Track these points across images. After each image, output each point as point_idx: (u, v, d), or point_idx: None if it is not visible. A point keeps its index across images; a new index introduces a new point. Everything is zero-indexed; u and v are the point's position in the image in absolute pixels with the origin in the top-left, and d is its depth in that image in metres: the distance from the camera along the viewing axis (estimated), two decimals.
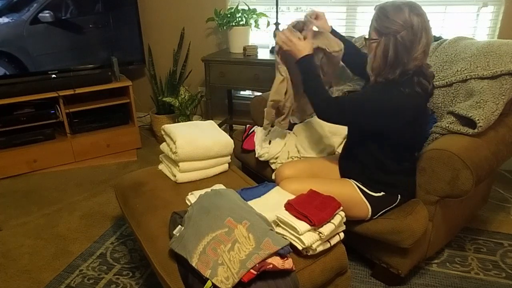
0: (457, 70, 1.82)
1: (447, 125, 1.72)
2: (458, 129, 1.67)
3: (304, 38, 1.63)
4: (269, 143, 2.07)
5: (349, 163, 1.69)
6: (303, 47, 1.60)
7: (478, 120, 1.61)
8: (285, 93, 1.77)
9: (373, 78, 1.50)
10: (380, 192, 1.58)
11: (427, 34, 1.39)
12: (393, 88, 1.43)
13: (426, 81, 1.45)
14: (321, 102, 1.55)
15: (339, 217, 1.40)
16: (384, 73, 1.44)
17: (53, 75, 2.88)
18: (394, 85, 1.44)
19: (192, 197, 1.61)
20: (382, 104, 1.43)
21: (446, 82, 1.86)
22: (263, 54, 2.80)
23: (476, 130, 1.62)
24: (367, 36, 1.50)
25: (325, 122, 1.77)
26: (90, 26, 2.96)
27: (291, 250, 1.25)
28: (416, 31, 1.37)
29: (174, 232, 1.37)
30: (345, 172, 1.71)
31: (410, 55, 1.39)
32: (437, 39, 2.08)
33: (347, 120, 1.57)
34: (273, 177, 1.89)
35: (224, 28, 2.88)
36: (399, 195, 1.59)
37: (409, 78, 1.43)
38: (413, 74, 1.43)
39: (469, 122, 1.66)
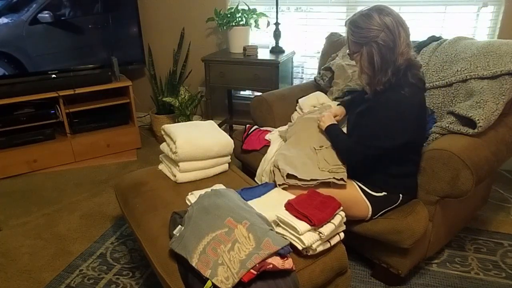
0: (457, 70, 1.82)
1: (447, 125, 1.72)
2: (458, 129, 1.67)
3: None
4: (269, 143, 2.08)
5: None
6: (326, 119, 1.76)
7: (478, 120, 1.61)
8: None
9: (368, 88, 1.54)
10: (381, 192, 1.58)
11: (403, 27, 1.44)
12: (395, 95, 1.45)
13: (418, 72, 1.50)
14: (344, 152, 1.64)
15: (339, 217, 1.40)
16: (378, 78, 1.47)
17: (53, 75, 2.88)
18: (393, 90, 1.46)
19: (192, 197, 1.61)
20: (394, 118, 1.46)
21: (446, 82, 1.86)
22: (263, 54, 2.80)
23: (476, 130, 1.62)
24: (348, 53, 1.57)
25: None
26: (90, 26, 2.97)
27: (291, 250, 1.25)
28: (393, 30, 1.41)
29: (174, 232, 1.37)
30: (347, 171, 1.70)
31: (395, 53, 1.43)
32: (437, 39, 2.08)
33: (375, 151, 1.53)
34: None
35: (224, 28, 2.88)
36: (401, 195, 1.59)
37: (403, 75, 1.46)
38: (405, 69, 1.46)
39: (469, 122, 1.66)
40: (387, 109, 1.47)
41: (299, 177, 1.58)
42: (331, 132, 1.71)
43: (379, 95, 1.52)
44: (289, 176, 1.60)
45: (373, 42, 1.42)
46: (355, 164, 1.60)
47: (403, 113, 1.45)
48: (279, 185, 1.61)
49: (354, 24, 1.46)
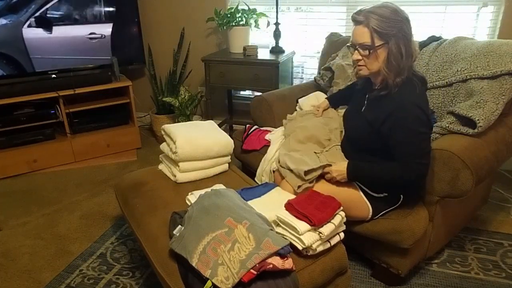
0: (457, 70, 1.82)
1: (447, 125, 1.72)
2: (458, 129, 1.67)
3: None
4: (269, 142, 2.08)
5: None
6: (340, 169, 1.57)
7: (478, 120, 1.61)
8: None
9: (392, 80, 1.45)
10: (382, 193, 1.58)
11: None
12: (410, 96, 1.43)
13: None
14: (397, 179, 1.47)
15: (339, 217, 1.40)
16: (401, 69, 1.44)
17: (53, 75, 2.88)
18: (406, 89, 1.45)
19: (192, 197, 1.61)
20: (423, 116, 1.42)
21: (446, 82, 1.86)
22: (263, 54, 2.80)
23: (476, 130, 1.62)
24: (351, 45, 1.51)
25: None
26: (90, 26, 2.96)
27: (291, 250, 1.25)
28: (410, 22, 1.43)
29: (174, 232, 1.37)
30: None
31: (412, 46, 1.43)
32: (437, 39, 2.08)
33: (427, 164, 1.45)
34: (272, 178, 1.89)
35: (224, 28, 2.88)
36: (401, 196, 1.59)
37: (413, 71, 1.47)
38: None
39: (469, 122, 1.66)
40: (408, 116, 1.42)
41: (314, 167, 1.56)
42: (358, 174, 1.55)
43: (393, 90, 1.46)
44: (306, 173, 1.56)
45: (399, 33, 1.39)
46: (419, 179, 1.48)
47: (423, 114, 1.42)
48: (299, 186, 1.56)
49: (378, 14, 1.39)
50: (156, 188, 1.79)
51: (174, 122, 3.21)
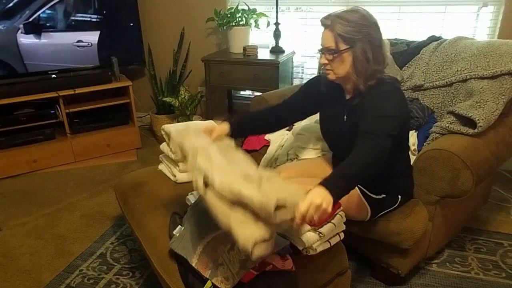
0: (457, 70, 1.83)
1: (447, 125, 1.72)
2: (458, 129, 1.67)
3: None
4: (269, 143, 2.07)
5: None
6: (320, 195, 1.15)
7: (478, 120, 1.61)
8: None
9: (362, 85, 1.44)
10: (381, 194, 1.57)
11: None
12: (381, 86, 1.43)
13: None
14: (370, 166, 1.26)
15: (339, 217, 1.40)
16: (370, 74, 1.43)
17: (53, 75, 2.88)
18: (377, 86, 1.44)
19: (192, 197, 1.61)
20: (398, 106, 1.40)
21: (446, 82, 1.86)
22: (263, 54, 2.80)
23: (476, 130, 1.62)
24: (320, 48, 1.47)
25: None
26: (90, 26, 2.96)
27: (291, 250, 1.25)
28: (379, 28, 1.42)
29: (174, 232, 1.37)
30: None
31: (382, 52, 1.43)
32: (437, 39, 2.08)
33: (390, 141, 1.33)
34: None
35: (224, 28, 2.88)
36: (399, 196, 1.59)
37: (383, 75, 1.46)
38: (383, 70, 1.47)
39: (469, 122, 1.66)
40: (380, 97, 1.40)
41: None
42: (338, 181, 1.21)
43: (363, 95, 1.45)
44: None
45: (365, 38, 1.39)
46: (381, 159, 1.29)
47: (393, 94, 1.42)
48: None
49: (344, 18, 1.39)
50: (156, 188, 1.79)
51: (174, 122, 3.21)
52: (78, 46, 2.93)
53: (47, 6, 2.76)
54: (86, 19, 2.93)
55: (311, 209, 1.10)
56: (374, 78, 1.43)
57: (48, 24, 2.80)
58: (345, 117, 1.57)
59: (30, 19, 2.73)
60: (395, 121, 1.35)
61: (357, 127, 1.40)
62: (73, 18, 2.88)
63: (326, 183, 1.18)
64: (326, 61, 1.45)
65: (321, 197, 1.13)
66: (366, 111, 1.41)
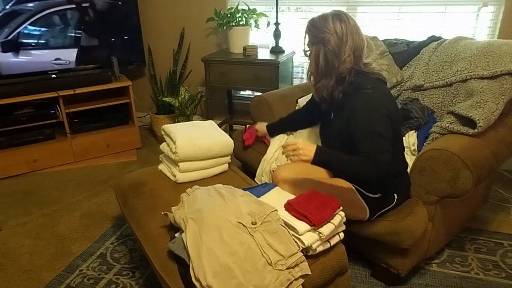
0: (457, 70, 1.83)
1: (447, 125, 1.72)
2: (458, 129, 1.67)
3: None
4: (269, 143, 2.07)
5: None
6: (309, 148, 1.47)
7: (478, 120, 1.61)
8: None
9: (315, 92, 1.61)
10: (376, 194, 1.58)
11: (354, 37, 1.47)
12: (360, 97, 1.48)
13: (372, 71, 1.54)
14: (363, 171, 1.45)
15: (339, 217, 1.40)
16: (323, 82, 1.53)
17: (53, 75, 2.88)
18: (357, 93, 1.49)
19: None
20: (377, 109, 1.45)
21: (446, 82, 1.87)
22: (263, 54, 2.80)
23: (476, 130, 1.62)
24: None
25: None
26: (90, 26, 2.96)
27: None
28: (341, 36, 1.46)
29: (176, 235, 1.37)
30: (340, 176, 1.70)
31: (339, 59, 1.48)
32: (437, 39, 2.08)
33: (388, 154, 1.44)
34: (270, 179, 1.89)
35: (224, 28, 2.88)
36: (395, 195, 1.59)
37: (360, 76, 1.50)
38: (356, 74, 1.51)
39: (469, 122, 1.66)
40: (364, 110, 1.46)
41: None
42: (325, 158, 1.47)
43: (344, 102, 1.54)
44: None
45: (322, 44, 1.49)
46: (383, 172, 1.44)
47: (376, 111, 1.45)
48: None
49: (311, 22, 1.52)
50: (156, 188, 1.79)
51: (174, 122, 3.21)
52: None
53: (20, 28, 2.73)
54: (86, 18, 2.93)
55: (294, 147, 1.46)
56: (331, 81, 1.53)
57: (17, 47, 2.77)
58: (332, 114, 1.65)
59: (8, 38, 2.70)
60: (383, 131, 1.44)
61: (341, 127, 1.56)
62: (74, 16, 2.88)
63: (320, 148, 1.47)
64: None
65: (306, 147, 1.45)
66: (352, 123, 1.50)
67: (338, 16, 1.48)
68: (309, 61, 1.59)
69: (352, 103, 1.51)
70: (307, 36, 1.56)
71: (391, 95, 1.59)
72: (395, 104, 1.55)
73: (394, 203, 1.60)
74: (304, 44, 1.59)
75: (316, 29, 1.49)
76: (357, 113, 1.49)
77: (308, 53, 1.58)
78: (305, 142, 1.49)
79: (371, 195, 1.57)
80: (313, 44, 1.53)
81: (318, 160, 1.46)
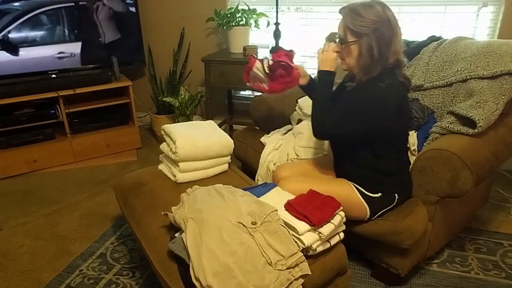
0: (457, 70, 1.82)
1: (447, 125, 1.72)
2: (458, 129, 1.67)
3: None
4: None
5: (344, 165, 1.68)
6: (328, 60, 1.55)
7: (478, 120, 1.61)
8: None
9: (360, 78, 1.50)
10: (377, 193, 1.58)
11: (399, 27, 1.45)
12: (372, 86, 1.45)
13: (402, 71, 1.51)
14: (320, 114, 1.54)
15: (339, 217, 1.40)
16: (370, 70, 1.46)
17: (53, 75, 2.88)
18: (373, 81, 1.46)
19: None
20: (369, 103, 1.44)
21: (446, 82, 1.86)
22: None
23: (476, 130, 1.62)
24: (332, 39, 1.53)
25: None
26: (90, 26, 2.96)
27: None
28: (394, 25, 1.42)
29: (176, 235, 1.37)
30: (341, 174, 1.70)
31: (391, 49, 1.43)
32: (437, 39, 2.08)
33: (341, 131, 1.51)
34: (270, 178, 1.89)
35: (224, 28, 2.88)
36: (396, 195, 1.59)
37: (391, 73, 1.46)
38: (393, 68, 1.47)
39: (469, 122, 1.66)
40: (362, 96, 1.47)
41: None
42: (325, 81, 1.56)
43: (360, 85, 1.51)
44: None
45: (373, 34, 1.40)
46: (319, 131, 1.54)
47: (374, 100, 1.44)
48: None
49: (355, 12, 1.41)
50: (156, 188, 1.79)
51: (174, 122, 3.21)
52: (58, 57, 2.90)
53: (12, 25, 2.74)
54: (86, 18, 2.93)
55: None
56: (371, 73, 1.46)
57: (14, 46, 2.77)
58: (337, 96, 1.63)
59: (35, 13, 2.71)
60: (363, 118, 1.44)
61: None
62: (74, 16, 2.88)
63: (312, 81, 1.77)
64: (338, 49, 1.52)
65: (331, 60, 1.54)
66: (348, 101, 1.52)
67: (384, 5, 1.41)
68: (354, 52, 1.46)
69: (361, 91, 1.49)
70: (348, 26, 1.43)
71: (406, 96, 1.55)
72: (405, 104, 1.52)
73: (394, 203, 1.59)
74: (341, 33, 1.48)
75: (364, 19, 1.39)
76: (357, 93, 1.49)
77: (351, 43, 1.45)
78: (332, 58, 1.54)
79: (371, 195, 1.57)
80: (360, 35, 1.41)
81: (323, 76, 1.56)
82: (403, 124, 1.57)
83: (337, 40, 1.52)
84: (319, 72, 1.57)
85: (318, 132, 1.55)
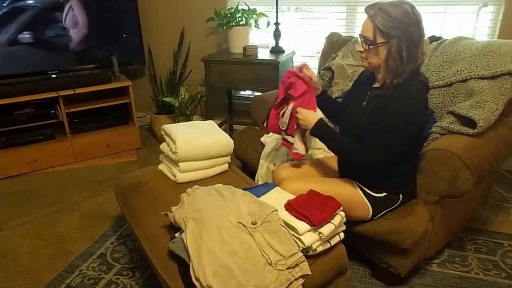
0: (457, 70, 1.82)
1: (447, 125, 1.72)
2: (458, 129, 1.67)
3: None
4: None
5: (349, 165, 1.68)
6: (309, 116, 1.60)
7: (478, 120, 1.61)
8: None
9: (389, 81, 1.46)
10: (382, 193, 1.57)
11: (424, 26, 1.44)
12: (406, 93, 1.42)
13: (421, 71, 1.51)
14: (356, 155, 1.49)
15: (339, 217, 1.40)
16: (400, 72, 1.43)
17: (53, 75, 2.88)
18: (403, 87, 1.43)
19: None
20: (407, 110, 1.42)
21: (446, 82, 1.86)
22: (263, 54, 2.80)
23: (476, 130, 1.62)
24: (359, 40, 1.49)
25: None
26: (90, 26, 2.96)
27: None
28: (422, 27, 1.41)
29: (176, 235, 1.37)
30: (346, 173, 1.70)
31: (419, 50, 1.41)
32: (437, 39, 2.08)
33: (390, 155, 1.46)
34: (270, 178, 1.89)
35: (224, 28, 2.88)
36: (401, 195, 1.59)
37: (415, 73, 1.45)
38: (417, 68, 1.46)
39: (469, 122, 1.66)
40: (398, 108, 1.42)
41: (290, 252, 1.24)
42: (323, 131, 1.56)
43: (389, 91, 1.46)
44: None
45: (404, 35, 1.37)
46: (373, 165, 1.50)
47: (412, 113, 1.42)
48: None
49: (386, 12, 1.37)
50: (156, 188, 1.79)
51: (174, 122, 3.21)
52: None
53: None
54: (86, 18, 2.93)
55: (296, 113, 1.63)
56: (402, 76, 1.43)
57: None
58: (364, 103, 1.59)
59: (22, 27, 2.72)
60: (400, 134, 1.42)
61: (369, 117, 1.50)
62: (75, 16, 2.88)
63: (322, 122, 1.57)
64: (362, 49, 1.49)
65: (309, 115, 1.59)
66: (380, 112, 1.46)
67: (412, 5, 1.39)
68: (380, 55, 1.44)
69: (389, 100, 1.45)
70: (378, 26, 1.39)
71: (427, 103, 1.55)
72: (427, 108, 1.52)
73: (398, 203, 1.59)
74: (374, 36, 1.41)
75: (395, 20, 1.36)
76: (390, 106, 1.44)
77: (380, 45, 1.41)
78: (307, 111, 1.61)
79: (375, 194, 1.57)
80: (390, 36, 1.38)
81: (316, 130, 1.57)
82: (423, 130, 1.58)
83: (360, 39, 1.49)
84: (312, 132, 1.60)
85: (369, 164, 1.49)
